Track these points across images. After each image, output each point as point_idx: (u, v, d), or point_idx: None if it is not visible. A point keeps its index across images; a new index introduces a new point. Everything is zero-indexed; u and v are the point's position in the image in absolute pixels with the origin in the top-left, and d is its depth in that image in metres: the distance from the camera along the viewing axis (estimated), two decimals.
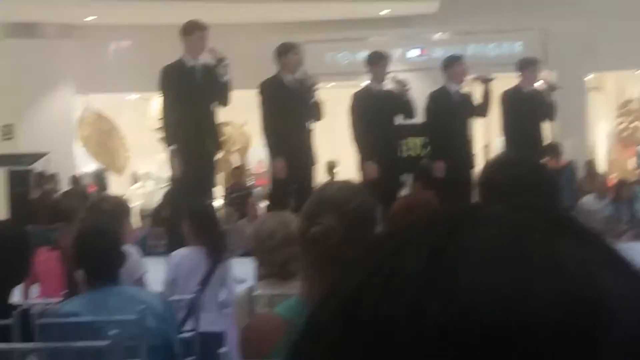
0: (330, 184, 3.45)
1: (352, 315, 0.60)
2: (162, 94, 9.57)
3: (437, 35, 18.37)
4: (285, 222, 4.34)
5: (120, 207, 6.63)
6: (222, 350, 4.65)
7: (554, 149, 12.25)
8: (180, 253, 6.58)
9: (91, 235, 4.73)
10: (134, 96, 19.25)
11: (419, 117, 11.16)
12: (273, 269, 4.40)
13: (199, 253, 6.39)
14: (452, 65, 11.06)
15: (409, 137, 12.02)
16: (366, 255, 0.65)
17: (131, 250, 6.50)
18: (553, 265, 0.59)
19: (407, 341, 0.58)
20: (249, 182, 16.67)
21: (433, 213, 0.67)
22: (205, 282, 6.35)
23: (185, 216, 6.73)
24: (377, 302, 0.60)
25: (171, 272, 6.42)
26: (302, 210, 3.02)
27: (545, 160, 11.17)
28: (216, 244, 6.51)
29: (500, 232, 0.61)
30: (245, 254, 12.38)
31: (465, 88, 11.34)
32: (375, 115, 10.34)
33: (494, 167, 3.44)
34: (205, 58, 9.56)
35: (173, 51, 9.78)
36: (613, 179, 16.17)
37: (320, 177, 14.31)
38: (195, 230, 6.50)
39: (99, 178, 16.98)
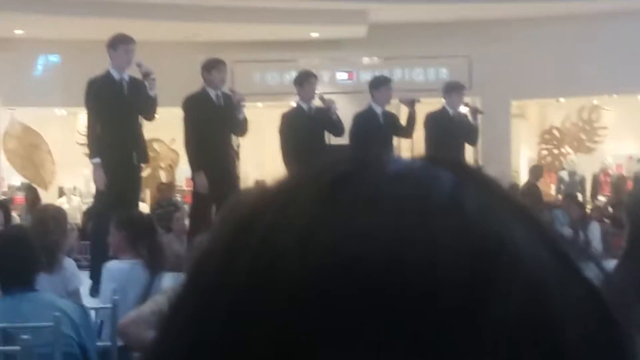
0: (245, 192, 3.45)
1: (240, 243, 0.58)
2: (88, 107, 9.53)
3: (366, 60, 18.55)
4: None
5: (62, 216, 6.60)
6: None
7: None
8: (115, 265, 6.27)
9: (5, 241, 4.74)
10: (62, 111, 19.11)
11: (344, 138, 11.25)
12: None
13: (135, 265, 6.13)
14: (379, 87, 11.15)
15: None
16: (263, 192, 0.62)
17: (68, 262, 6.45)
18: (453, 209, 0.56)
19: (292, 269, 0.55)
20: (177, 199, 16.62)
21: (334, 157, 0.63)
22: (146, 295, 5.96)
23: (115, 227, 6.41)
24: (267, 229, 0.57)
25: (110, 282, 6.11)
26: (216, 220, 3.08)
27: None
28: (155, 254, 6.20)
29: (403, 174, 0.60)
30: (172, 269, 12.40)
31: (391, 110, 11.48)
32: (307, 133, 10.33)
33: None
34: (132, 72, 9.57)
35: (101, 66, 9.76)
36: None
37: None
38: (131, 240, 6.22)
39: (31, 190, 16.74)
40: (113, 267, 6.26)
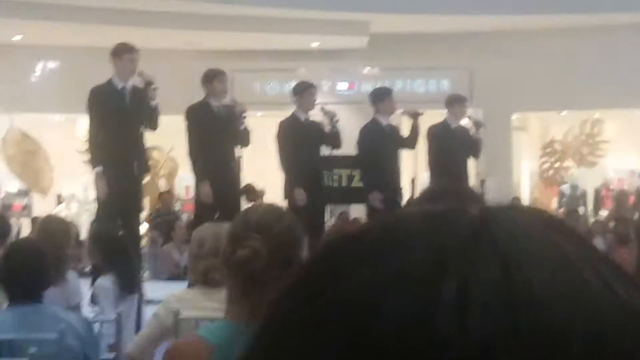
0: (256, 207, 3.46)
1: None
2: (89, 115, 9.49)
3: (366, 70, 18.54)
4: (218, 232, 4.32)
5: (67, 228, 6.54)
6: None
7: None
8: (99, 283, 6.31)
9: (17, 252, 4.68)
10: (60, 117, 19.06)
11: (346, 149, 11.21)
12: (197, 276, 4.50)
13: (111, 280, 6.17)
14: (383, 99, 11.11)
15: (335, 168, 12.05)
16: (345, 243, 0.53)
17: (71, 276, 6.41)
18: (592, 266, 0.53)
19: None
20: (176, 208, 16.60)
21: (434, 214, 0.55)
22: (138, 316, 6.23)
23: (89, 241, 6.52)
24: (404, 311, 0.50)
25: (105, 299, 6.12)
26: (227, 233, 3.03)
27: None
28: (125, 272, 6.22)
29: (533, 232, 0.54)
30: (171, 278, 12.38)
31: (393, 121, 11.45)
32: (302, 144, 10.34)
33: (419, 200, 3.51)
34: (134, 81, 9.53)
35: (100, 73, 9.73)
36: None
37: (247, 204, 14.31)
38: (104, 257, 6.30)
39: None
40: (96, 286, 6.32)
